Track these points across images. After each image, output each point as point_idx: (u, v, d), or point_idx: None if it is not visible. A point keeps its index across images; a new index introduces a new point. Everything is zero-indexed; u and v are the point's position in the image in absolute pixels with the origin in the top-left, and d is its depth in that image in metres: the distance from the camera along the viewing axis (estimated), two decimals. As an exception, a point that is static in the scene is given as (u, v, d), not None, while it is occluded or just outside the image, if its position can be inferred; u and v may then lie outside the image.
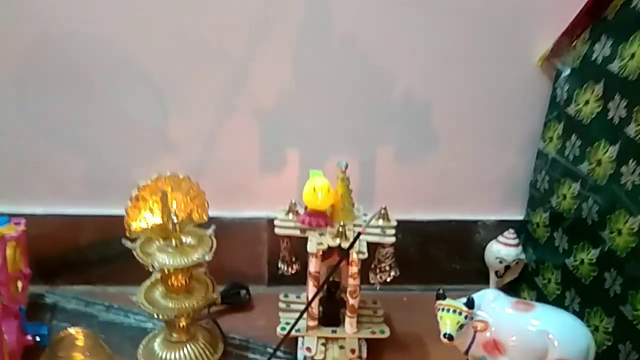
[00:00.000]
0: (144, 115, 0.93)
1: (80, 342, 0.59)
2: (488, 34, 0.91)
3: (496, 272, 0.99)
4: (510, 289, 0.99)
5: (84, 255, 0.98)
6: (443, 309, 0.72)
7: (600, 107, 0.80)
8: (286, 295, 0.91)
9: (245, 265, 1.01)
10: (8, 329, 0.76)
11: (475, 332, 0.72)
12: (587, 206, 0.82)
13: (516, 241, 0.97)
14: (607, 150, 0.78)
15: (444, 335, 0.70)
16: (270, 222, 0.90)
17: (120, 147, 0.94)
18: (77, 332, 0.59)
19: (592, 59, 0.82)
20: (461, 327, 0.70)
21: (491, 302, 0.73)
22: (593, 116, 0.82)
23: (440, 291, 0.73)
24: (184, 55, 0.89)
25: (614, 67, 0.77)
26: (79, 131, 0.92)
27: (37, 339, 0.81)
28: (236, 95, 0.92)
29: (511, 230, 0.98)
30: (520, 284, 1.00)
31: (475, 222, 1.02)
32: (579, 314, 0.82)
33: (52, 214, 0.95)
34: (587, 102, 0.83)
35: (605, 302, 0.77)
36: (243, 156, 0.96)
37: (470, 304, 0.71)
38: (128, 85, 0.90)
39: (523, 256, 0.98)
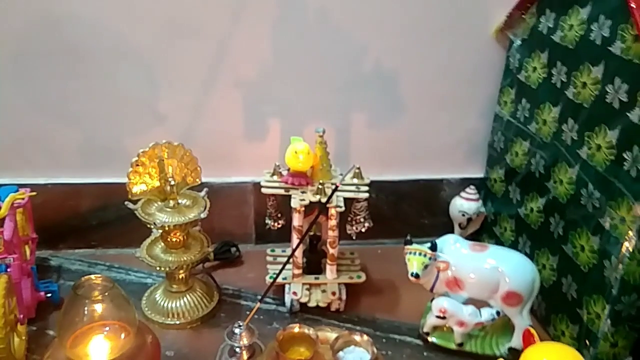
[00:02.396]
0: (135, 90, 0.99)
1: (99, 285, 0.68)
2: (449, 8, 0.99)
3: (460, 224, 1.10)
4: (473, 238, 1.11)
5: (84, 221, 1.05)
6: (410, 252, 0.82)
7: (546, 74, 0.90)
8: (273, 250, 1.01)
9: (234, 225, 1.10)
10: (23, 286, 0.85)
11: (439, 271, 0.83)
12: (535, 161, 0.93)
13: (477, 196, 1.08)
14: (551, 111, 0.89)
15: (411, 274, 0.81)
16: (256, 185, 0.99)
17: (114, 120, 1.01)
18: (95, 277, 0.68)
19: (539, 30, 0.92)
20: (426, 267, 0.81)
21: (451, 245, 0.84)
22: (540, 81, 0.92)
23: (408, 237, 0.83)
24: (171, 33, 0.96)
25: (557, 37, 0.87)
26: (75, 106, 0.99)
27: (49, 294, 0.90)
28: (219, 69, 0.99)
29: (472, 187, 1.08)
30: (481, 234, 1.12)
31: (441, 180, 1.13)
32: (530, 256, 0.93)
33: (53, 184, 1.02)
34: (535, 69, 0.93)
35: (551, 243, 0.89)
36: (228, 126, 1.04)
37: (433, 247, 0.82)
38: (120, 62, 0.97)
39: (483, 209, 1.09)
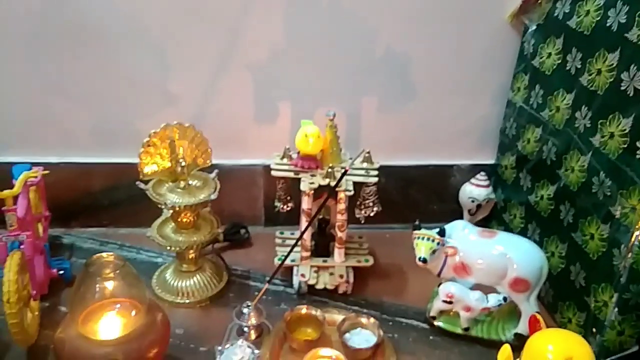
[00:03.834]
0: (147, 71, 1.00)
1: (110, 263, 0.69)
2: (463, -7, 0.98)
3: (469, 211, 1.10)
4: (482, 225, 1.10)
5: (95, 200, 1.07)
6: (418, 237, 0.82)
7: (560, 60, 0.89)
8: (282, 233, 1.01)
9: (244, 208, 1.10)
10: (36, 263, 0.86)
11: (446, 256, 0.83)
12: (547, 148, 0.93)
13: (487, 182, 1.08)
14: (564, 98, 0.88)
15: (419, 259, 0.81)
16: (266, 168, 1.00)
17: (126, 101, 1.02)
18: (108, 255, 0.69)
19: (555, 15, 0.91)
20: (434, 252, 0.81)
21: (460, 231, 0.84)
22: (554, 68, 0.91)
23: (417, 222, 0.84)
24: (183, 15, 0.96)
25: (572, 23, 0.86)
26: (88, 87, 1.00)
27: (61, 272, 0.92)
28: (231, 51, 0.99)
29: (482, 173, 1.08)
30: (490, 221, 1.12)
31: (451, 166, 1.12)
32: (539, 243, 0.93)
33: (66, 163, 1.03)
34: (549, 55, 0.92)
35: (560, 231, 0.89)
36: (239, 108, 1.04)
37: (441, 233, 0.82)
38: (132, 43, 0.97)
39: (493, 196, 1.09)
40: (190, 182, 0.88)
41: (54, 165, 1.01)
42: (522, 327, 0.83)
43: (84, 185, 1.05)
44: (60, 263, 0.93)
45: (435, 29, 1.01)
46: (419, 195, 1.14)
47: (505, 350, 0.64)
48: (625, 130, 0.74)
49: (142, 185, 0.86)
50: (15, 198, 0.84)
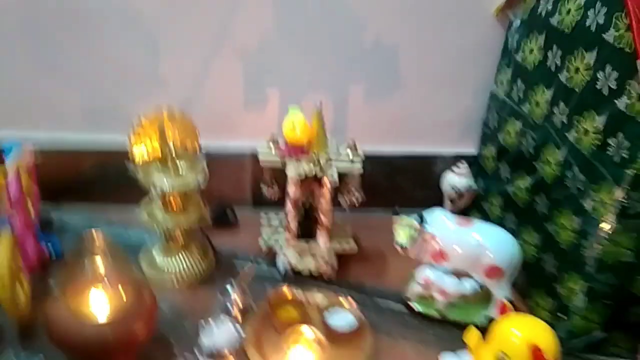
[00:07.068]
0: (138, 54, 1.01)
1: (99, 241, 0.71)
2: (451, -15, 1.00)
3: (451, 199, 1.13)
4: (463, 213, 1.14)
5: (85, 178, 1.08)
6: (397, 224, 0.85)
7: (542, 56, 0.92)
8: (266, 213, 1.04)
9: (232, 191, 1.13)
10: (27, 240, 0.88)
11: (424, 242, 0.86)
12: (526, 141, 0.96)
13: (467, 171, 1.10)
14: (544, 94, 0.91)
15: (398, 244, 0.85)
16: (254, 152, 1.02)
17: (116, 83, 1.03)
18: (96, 233, 0.71)
19: (538, 12, 0.93)
20: (412, 238, 0.85)
21: (438, 218, 0.87)
22: (535, 63, 0.93)
23: (396, 209, 0.87)
24: (174, -1, 0.97)
25: (554, 20, 0.88)
26: (78, 69, 1.01)
27: (51, 249, 0.94)
28: (221, 37, 1.01)
29: (463, 162, 1.10)
30: (471, 209, 1.15)
31: (435, 156, 1.15)
32: (515, 232, 0.96)
33: (56, 141, 1.05)
34: (531, 51, 0.94)
35: (535, 221, 0.92)
36: (228, 94, 1.06)
37: (420, 220, 0.85)
38: (124, 26, 0.98)
39: (474, 185, 1.11)
40: (178, 165, 0.90)
41: (44, 144, 1.02)
42: (495, 312, 0.87)
43: (74, 164, 1.07)
44: (50, 240, 0.95)
45: (423, 21, 1.02)
46: (403, 183, 1.17)
47: (474, 333, 0.67)
48: (598, 127, 0.77)
49: (130, 167, 0.87)
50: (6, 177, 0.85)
